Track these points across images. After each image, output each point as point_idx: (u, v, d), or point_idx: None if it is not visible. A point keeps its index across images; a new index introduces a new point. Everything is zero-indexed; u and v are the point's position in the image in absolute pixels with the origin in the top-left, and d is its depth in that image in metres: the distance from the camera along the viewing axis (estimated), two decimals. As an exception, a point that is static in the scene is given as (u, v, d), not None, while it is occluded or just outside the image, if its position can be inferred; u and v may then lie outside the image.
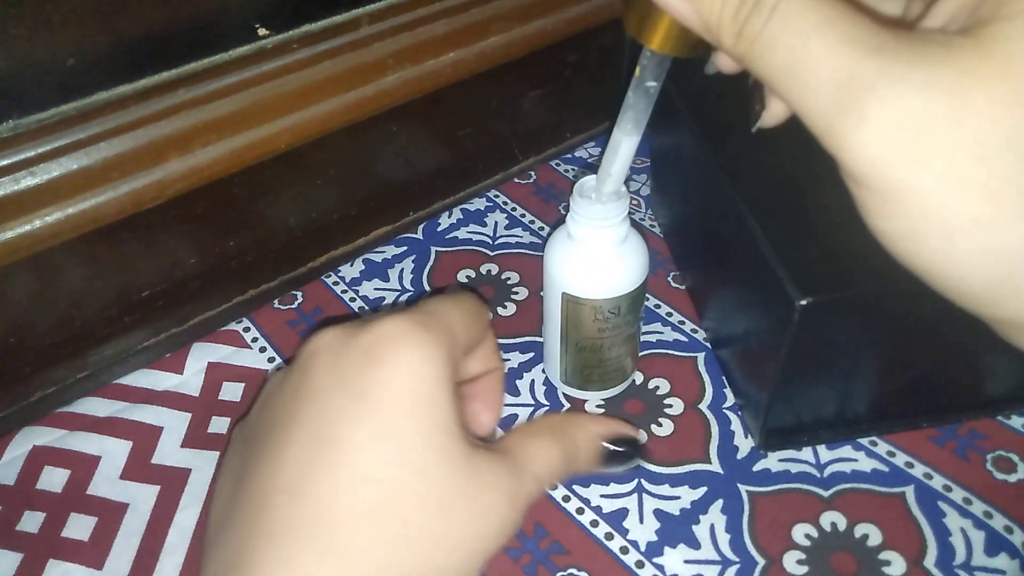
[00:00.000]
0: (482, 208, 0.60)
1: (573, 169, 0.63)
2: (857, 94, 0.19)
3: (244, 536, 0.22)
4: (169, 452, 0.43)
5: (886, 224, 0.20)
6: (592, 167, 0.62)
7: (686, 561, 0.38)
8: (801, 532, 0.38)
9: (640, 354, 0.47)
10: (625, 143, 0.33)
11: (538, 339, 0.49)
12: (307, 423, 0.23)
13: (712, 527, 0.39)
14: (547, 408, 0.45)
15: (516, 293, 0.52)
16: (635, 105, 0.31)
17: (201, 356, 0.48)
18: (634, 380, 0.46)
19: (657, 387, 0.46)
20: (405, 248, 0.57)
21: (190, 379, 0.47)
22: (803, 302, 0.35)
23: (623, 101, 0.32)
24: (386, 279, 0.54)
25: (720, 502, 0.40)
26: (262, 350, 0.49)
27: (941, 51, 0.19)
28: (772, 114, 0.27)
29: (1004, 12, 0.19)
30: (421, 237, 0.58)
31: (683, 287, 0.52)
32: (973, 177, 0.18)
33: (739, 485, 0.41)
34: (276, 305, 0.52)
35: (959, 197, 0.19)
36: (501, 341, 0.49)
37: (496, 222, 0.58)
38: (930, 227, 0.19)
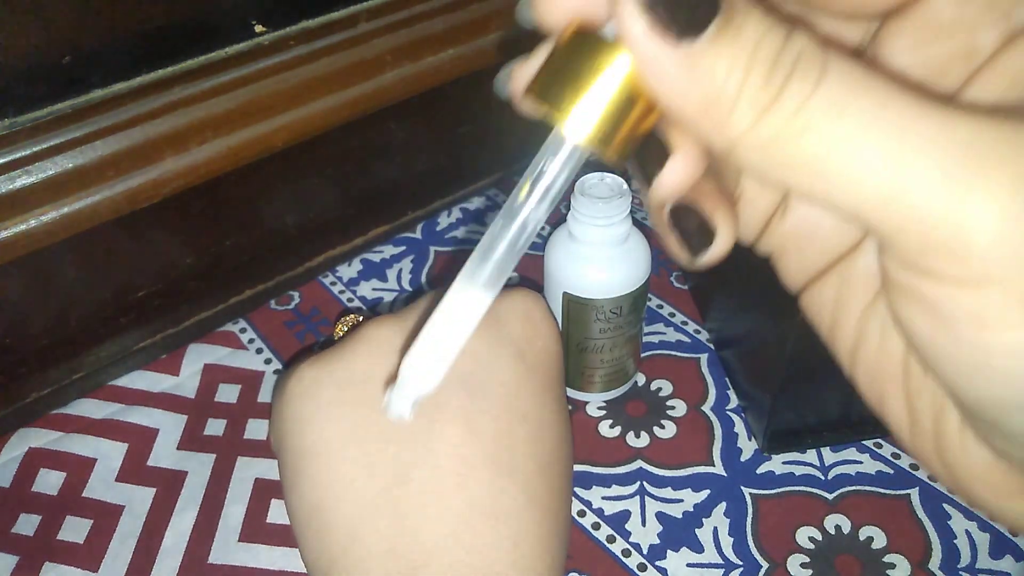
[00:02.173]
0: (482, 207, 0.59)
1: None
2: (995, 149, 0.14)
3: None
4: (165, 454, 0.43)
5: (1021, 336, 0.15)
6: (593, 166, 0.62)
7: (689, 565, 0.37)
8: (805, 535, 0.38)
9: (642, 355, 0.47)
10: (475, 303, 0.20)
11: (538, 339, 0.49)
12: None
13: (715, 530, 0.39)
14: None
15: (516, 293, 0.52)
16: (506, 242, 0.20)
17: (197, 357, 0.48)
18: (636, 381, 0.46)
19: (660, 388, 0.45)
20: (403, 248, 0.56)
21: (186, 381, 0.47)
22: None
23: (485, 236, 0.20)
24: (384, 279, 0.54)
25: (723, 505, 0.40)
26: (258, 351, 0.49)
27: None
28: (722, 242, 0.19)
29: None
30: (420, 237, 0.57)
31: (686, 287, 0.52)
32: None
33: (743, 488, 0.40)
34: (273, 306, 0.52)
35: None
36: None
37: (496, 221, 0.58)
38: None
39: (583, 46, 0.17)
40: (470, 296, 0.20)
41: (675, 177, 0.18)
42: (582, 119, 0.17)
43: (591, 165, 0.29)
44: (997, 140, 0.14)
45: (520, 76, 0.19)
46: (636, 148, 0.18)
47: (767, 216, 0.22)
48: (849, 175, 0.15)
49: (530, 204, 0.19)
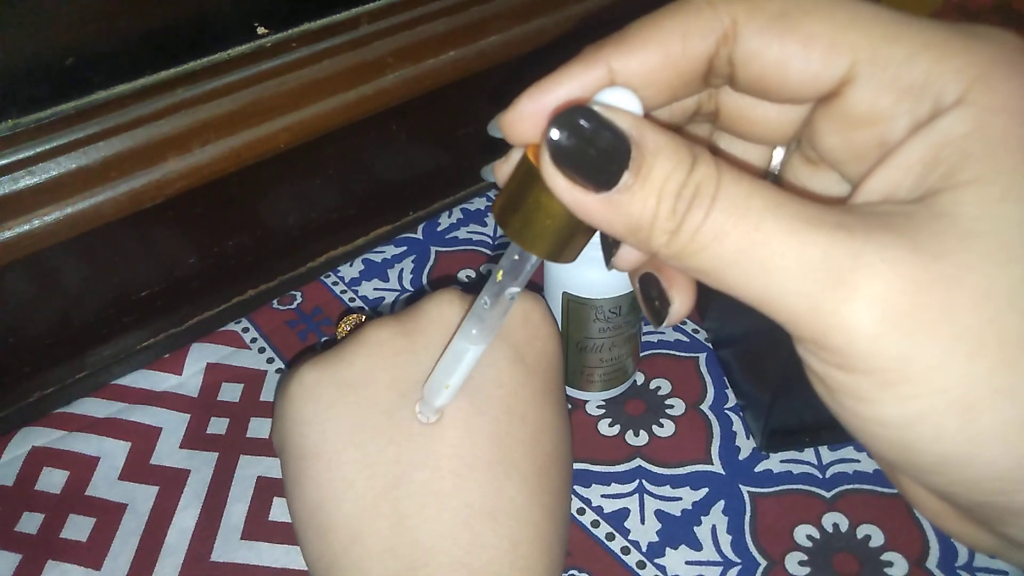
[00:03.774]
0: (482, 208, 0.60)
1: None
2: (839, 268, 0.17)
3: None
4: (168, 453, 0.43)
5: (889, 411, 0.17)
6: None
7: (688, 562, 0.38)
8: (803, 533, 0.38)
9: (641, 354, 0.47)
10: (472, 351, 0.27)
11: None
12: None
13: (714, 528, 0.39)
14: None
15: (516, 293, 0.52)
16: (490, 312, 0.26)
17: (200, 357, 0.48)
18: (635, 380, 0.46)
19: (658, 387, 0.46)
20: (405, 248, 0.56)
21: (189, 380, 0.47)
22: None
23: (473, 302, 0.27)
24: (386, 279, 0.54)
25: (722, 503, 0.40)
26: (261, 351, 0.49)
27: (903, 220, 0.17)
28: (677, 310, 0.23)
29: (960, 179, 0.17)
30: (421, 237, 0.57)
31: (684, 287, 0.52)
32: (984, 342, 0.16)
33: (741, 486, 0.40)
34: (275, 305, 0.52)
35: (976, 366, 0.16)
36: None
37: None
38: (945, 405, 0.17)
39: (533, 179, 0.20)
40: (468, 349, 0.27)
41: (626, 259, 0.23)
42: (536, 243, 0.21)
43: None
44: (840, 262, 0.17)
45: (499, 173, 0.25)
46: (585, 245, 0.22)
47: None
48: (735, 283, 0.18)
49: (506, 284, 0.25)
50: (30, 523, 0.40)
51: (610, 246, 0.23)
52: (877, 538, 0.38)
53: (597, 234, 0.22)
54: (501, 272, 0.24)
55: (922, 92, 0.18)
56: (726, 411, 0.44)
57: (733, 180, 0.18)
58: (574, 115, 0.18)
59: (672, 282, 0.23)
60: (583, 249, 0.22)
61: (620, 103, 0.19)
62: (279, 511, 0.40)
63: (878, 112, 0.19)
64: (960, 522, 0.21)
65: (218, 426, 0.45)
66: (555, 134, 0.18)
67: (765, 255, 0.17)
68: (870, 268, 0.17)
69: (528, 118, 0.22)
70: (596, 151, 0.18)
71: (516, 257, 0.24)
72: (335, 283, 0.54)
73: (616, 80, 0.21)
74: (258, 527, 0.40)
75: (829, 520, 0.39)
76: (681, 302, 0.23)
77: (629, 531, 0.39)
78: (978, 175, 0.17)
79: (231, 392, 0.46)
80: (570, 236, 0.21)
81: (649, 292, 0.23)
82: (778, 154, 0.24)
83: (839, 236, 0.17)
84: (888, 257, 0.17)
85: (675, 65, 0.20)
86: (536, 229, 0.21)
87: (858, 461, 0.41)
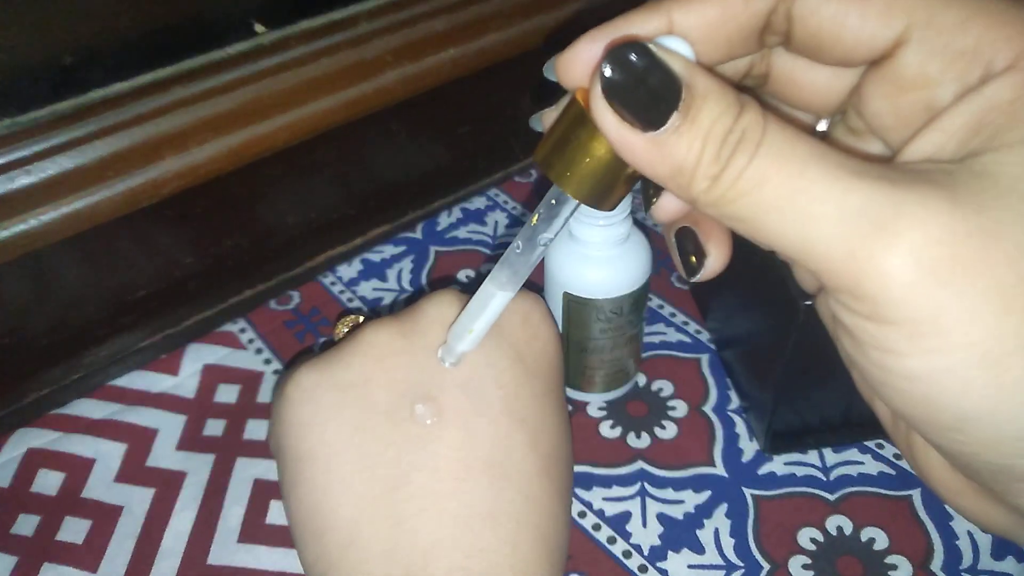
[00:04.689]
0: (482, 207, 0.59)
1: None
2: (880, 215, 0.17)
3: None
4: (164, 455, 0.43)
5: (917, 363, 0.17)
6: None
7: (690, 566, 0.37)
8: (807, 536, 0.38)
9: (643, 355, 0.47)
10: (498, 298, 0.28)
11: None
12: None
13: (716, 531, 0.38)
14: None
15: (517, 293, 0.52)
16: (521, 258, 0.26)
17: (197, 358, 0.48)
18: (637, 382, 0.46)
19: (660, 389, 0.45)
20: (404, 248, 0.56)
21: (186, 381, 0.47)
22: (808, 302, 0.34)
23: (507, 249, 0.26)
24: (384, 279, 0.54)
25: (724, 506, 0.39)
26: (258, 351, 0.49)
27: (944, 177, 0.18)
28: (712, 264, 0.23)
29: (1003, 141, 0.18)
30: (420, 237, 0.57)
31: (686, 287, 0.52)
32: (1018, 297, 0.17)
33: (744, 489, 0.40)
34: (273, 306, 0.52)
35: (1007, 321, 0.17)
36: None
37: (496, 221, 0.58)
38: (974, 359, 0.17)
39: (580, 122, 0.20)
40: (495, 295, 0.28)
41: (667, 208, 0.23)
42: (578, 186, 0.21)
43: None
44: (882, 209, 0.17)
45: (546, 119, 0.24)
46: (625, 195, 0.22)
47: None
48: (772, 231, 0.19)
49: (540, 229, 0.25)
50: (26, 525, 0.40)
51: (650, 195, 0.23)
52: (881, 541, 0.38)
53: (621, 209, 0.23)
54: (536, 216, 0.24)
55: (973, 58, 0.19)
56: (729, 413, 0.44)
57: (778, 128, 0.18)
58: (628, 51, 0.19)
59: (709, 235, 0.23)
60: (621, 200, 0.22)
61: (674, 49, 0.19)
62: (276, 514, 0.40)
63: (928, 76, 0.20)
64: (972, 496, 0.21)
65: (215, 428, 0.44)
66: (608, 69, 0.19)
67: (806, 201, 0.18)
68: (911, 217, 0.17)
69: (584, 60, 0.22)
70: (647, 89, 0.18)
71: (553, 202, 0.24)
72: (333, 283, 0.54)
73: (675, 32, 0.21)
74: (255, 530, 0.39)
75: (833, 523, 0.38)
76: (716, 256, 0.23)
77: (631, 534, 0.39)
78: (1022, 138, 0.18)
79: (228, 393, 0.46)
80: (612, 181, 0.21)
81: (685, 246, 0.23)
82: (822, 126, 0.25)
83: (881, 185, 0.17)
84: (929, 207, 0.17)
85: (735, 19, 0.21)
86: (579, 171, 0.21)
87: (862, 463, 0.41)
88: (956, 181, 0.17)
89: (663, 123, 0.18)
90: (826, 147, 0.18)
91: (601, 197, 0.22)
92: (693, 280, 0.24)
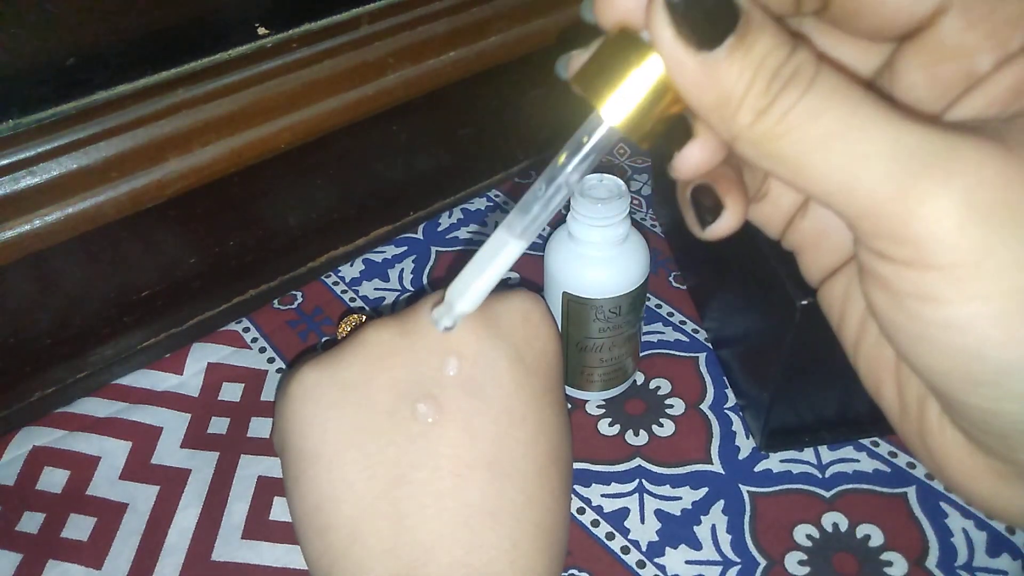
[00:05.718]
0: (483, 208, 0.60)
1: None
2: (934, 153, 0.17)
3: None
4: (168, 452, 0.43)
5: (957, 311, 0.17)
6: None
7: (687, 562, 0.38)
8: (803, 533, 0.38)
9: (641, 354, 0.47)
10: (512, 247, 0.24)
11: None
12: None
13: (713, 527, 0.39)
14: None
15: (517, 293, 0.52)
16: (538, 205, 0.23)
17: (201, 356, 0.48)
18: (635, 380, 0.46)
19: (658, 387, 0.46)
20: (405, 248, 0.57)
21: (190, 379, 0.47)
22: (804, 302, 0.35)
23: (525, 194, 0.23)
24: (386, 279, 0.54)
25: (721, 502, 0.40)
26: (262, 350, 0.49)
27: (992, 131, 0.18)
28: (727, 220, 0.23)
29: None
30: (421, 237, 0.57)
31: (684, 287, 0.52)
32: None
33: (740, 486, 0.40)
34: (276, 305, 0.52)
35: None
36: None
37: (497, 222, 0.58)
38: (1016, 306, 0.17)
39: (624, 45, 0.20)
40: (507, 243, 0.24)
41: (692, 158, 0.22)
42: (618, 106, 0.20)
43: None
44: (936, 150, 0.17)
45: (575, 62, 0.22)
46: (661, 133, 0.21)
47: (791, 214, 0.25)
48: (816, 170, 0.18)
49: (566, 171, 0.22)
50: (31, 523, 0.40)
51: (676, 145, 0.22)
52: (877, 538, 0.38)
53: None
54: (564, 155, 0.22)
55: (1015, 25, 0.19)
56: (726, 411, 0.44)
57: (832, 71, 0.18)
58: None
59: (727, 193, 0.22)
60: (650, 141, 0.21)
61: None
62: (280, 511, 0.40)
63: (968, 45, 0.19)
64: (990, 479, 0.21)
65: (219, 426, 0.45)
66: None
67: (858, 138, 0.17)
68: (965, 160, 0.17)
69: None
70: (706, 9, 0.18)
71: (585, 139, 0.22)
72: (336, 283, 0.54)
73: None
74: (259, 527, 0.40)
75: (829, 520, 0.39)
76: (733, 211, 0.23)
77: (629, 530, 0.39)
78: None
79: (232, 392, 0.47)
80: (650, 109, 0.20)
81: (701, 200, 0.23)
82: None
83: (935, 129, 0.17)
84: (983, 151, 0.17)
85: None
86: (620, 93, 0.20)
87: (858, 461, 0.41)
88: (1007, 135, 0.17)
89: (718, 44, 0.18)
90: (877, 95, 0.18)
91: (635, 125, 0.20)
92: (708, 235, 0.23)
